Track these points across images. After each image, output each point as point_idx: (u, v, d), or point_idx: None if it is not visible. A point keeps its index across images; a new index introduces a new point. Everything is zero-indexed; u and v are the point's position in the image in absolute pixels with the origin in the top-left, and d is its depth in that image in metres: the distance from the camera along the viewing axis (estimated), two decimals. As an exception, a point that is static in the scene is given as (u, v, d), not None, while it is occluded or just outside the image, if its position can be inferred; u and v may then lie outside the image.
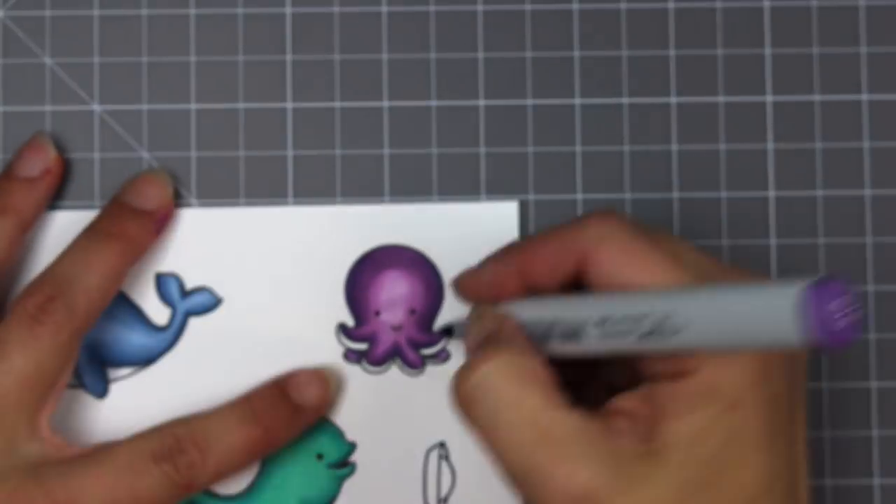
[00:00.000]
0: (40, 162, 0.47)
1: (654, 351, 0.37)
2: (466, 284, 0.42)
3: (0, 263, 0.45)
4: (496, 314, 0.41)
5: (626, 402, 0.39)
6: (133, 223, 0.46)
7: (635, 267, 0.38)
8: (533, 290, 0.41)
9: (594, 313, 0.38)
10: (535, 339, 0.40)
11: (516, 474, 0.38)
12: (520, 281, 0.40)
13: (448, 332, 0.47)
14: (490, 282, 0.41)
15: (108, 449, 0.43)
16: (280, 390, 0.46)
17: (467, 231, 0.48)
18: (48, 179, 0.47)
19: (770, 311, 0.32)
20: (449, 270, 0.47)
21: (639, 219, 0.40)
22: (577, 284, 0.40)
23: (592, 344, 0.38)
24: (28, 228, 0.46)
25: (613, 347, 0.38)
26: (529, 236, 0.41)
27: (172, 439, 0.43)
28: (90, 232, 0.45)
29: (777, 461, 0.38)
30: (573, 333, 0.39)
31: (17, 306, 0.43)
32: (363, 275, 0.48)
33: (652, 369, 0.38)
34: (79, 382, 0.47)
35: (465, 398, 0.39)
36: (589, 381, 0.42)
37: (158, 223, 0.47)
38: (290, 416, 0.45)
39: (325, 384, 0.47)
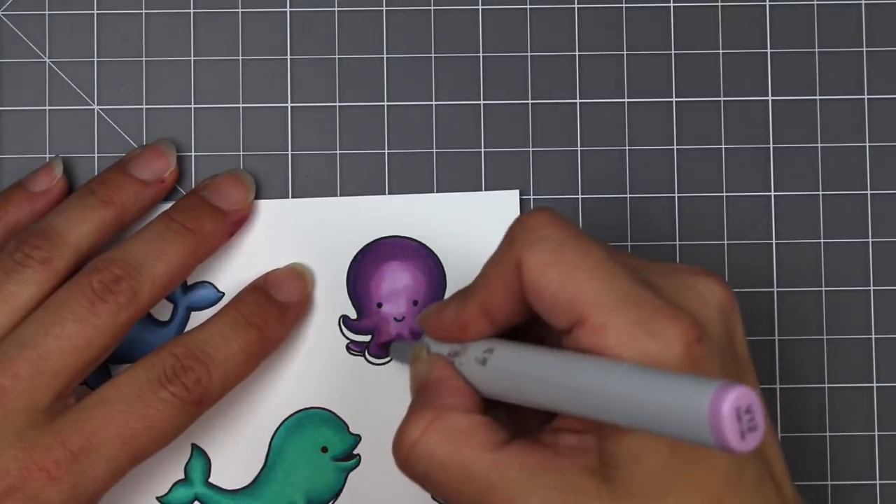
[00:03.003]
0: (157, 169, 0.47)
1: (567, 414, 0.36)
2: (431, 324, 0.42)
3: (89, 251, 0.45)
4: (429, 358, 0.41)
5: (569, 420, 0.38)
6: (210, 221, 0.46)
7: (563, 277, 0.37)
8: (499, 326, 0.40)
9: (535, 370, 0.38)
10: (473, 371, 0.40)
11: None
12: (484, 319, 0.40)
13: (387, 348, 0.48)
14: (453, 324, 0.41)
15: (112, 386, 0.43)
16: (263, 292, 0.46)
17: (469, 221, 0.48)
18: (158, 187, 0.47)
19: (676, 412, 0.32)
20: (451, 261, 0.47)
21: (569, 221, 0.39)
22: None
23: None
24: (126, 227, 0.46)
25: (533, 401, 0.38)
26: (485, 263, 0.40)
27: (173, 360, 0.43)
28: (167, 220, 0.45)
29: (737, 456, 0.37)
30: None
31: (83, 277, 0.43)
32: (365, 267, 0.48)
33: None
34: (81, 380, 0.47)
35: (404, 463, 0.39)
36: None
37: (233, 225, 0.47)
38: (279, 315, 0.46)
39: (303, 278, 0.47)
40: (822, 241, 0.49)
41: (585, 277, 0.37)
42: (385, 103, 0.49)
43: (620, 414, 0.34)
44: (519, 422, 0.41)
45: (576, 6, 0.49)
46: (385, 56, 0.49)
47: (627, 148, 0.49)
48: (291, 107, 0.49)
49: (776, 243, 0.49)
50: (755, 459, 0.38)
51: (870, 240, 0.49)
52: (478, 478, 0.38)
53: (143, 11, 0.49)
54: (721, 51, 0.49)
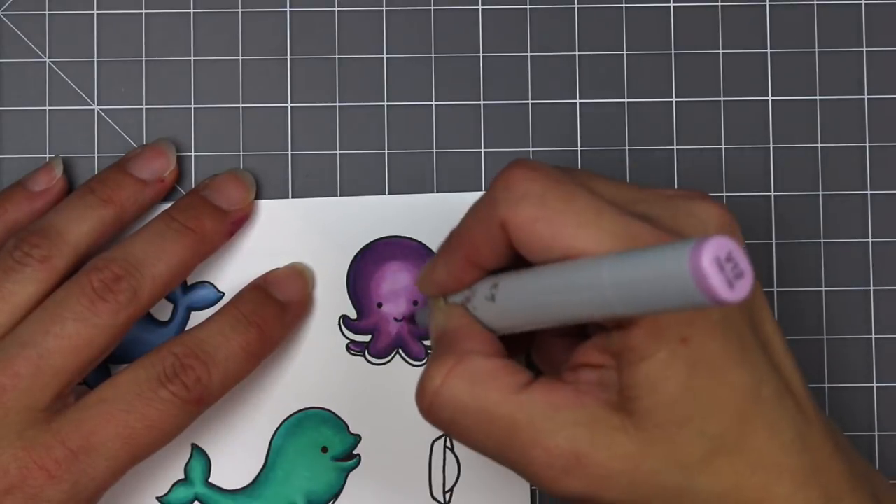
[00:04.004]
0: (157, 168, 0.47)
1: (578, 321, 0.37)
2: (426, 284, 0.42)
3: (88, 250, 0.45)
4: (446, 307, 0.41)
5: (587, 355, 0.38)
6: (210, 220, 0.46)
7: (552, 230, 0.37)
8: (492, 269, 0.40)
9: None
10: (486, 310, 0.40)
11: (500, 464, 0.39)
12: (474, 267, 0.40)
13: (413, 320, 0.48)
14: (446, 279, 0.41)
15: (111, 385, 0.43)
16: (263, 292, 0.46)
17: None
18: (158, 187, 0.47)
19: (667, 280, 0.32)
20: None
21: (546, 164, 0.38)
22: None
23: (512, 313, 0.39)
24: (125, 226, 0.46)
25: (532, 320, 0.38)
26: (466, 214, 0.40)
27: (173, 359, 0.43)
28: (168, 219, 0.45)
29: (755, 371, 0.37)
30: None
31: (83, 276, 0.43)
32: (365, 267, 0.48)
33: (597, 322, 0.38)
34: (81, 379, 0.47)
35: (428, 410, 0.39)
36: (551, 337, 0.42)
37: (234, 224, 0.47)
38: (279, 314, 0.46)
39: (303, 277, 0.47)
40: (822, 241, 0.49)
41: (574, 226, 0.36)
42: (385, 103, 0.49)
43: (619, 300, 0.33)
44: (542, 366, 0.41)
45: (576, 6, 0.49)
46: (385, 56, 0.49)
47: (627, 148, 0.49)
48: (291, 107, 0.49)
49: (776, 243, 0.49)
50: (772, 374, 0.38)
51: (870, 240, 0.49)
52: (503, 420, 0.38)
53: (143, 11, 0.49)
54: (721, 51, 0.49)
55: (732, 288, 0.31)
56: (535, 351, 0.43)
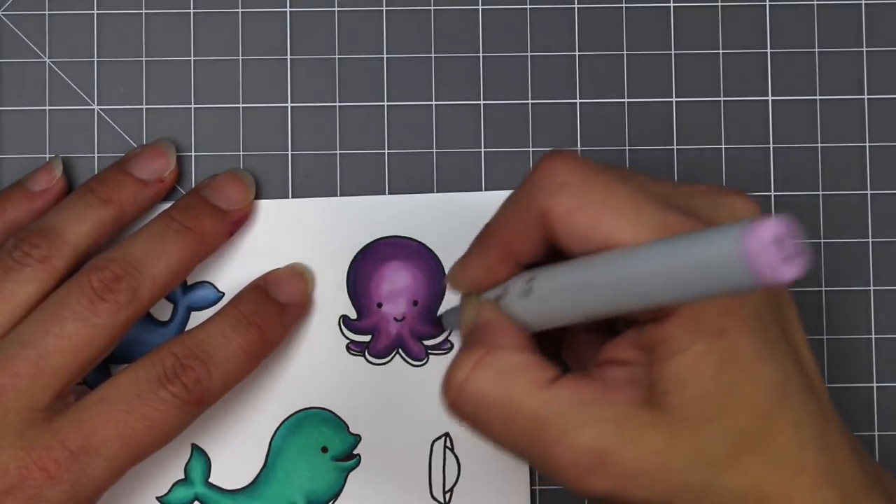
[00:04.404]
0: (157, 168, 0.47)
1: (618, 311, 0.36)
2: (459, 280, 0.41)
3: (88, 250, 0.45)
4: (478, 303, 0.41)
5: (616, 350, 0.38)
6: (210, 220, 0.46)
7: (591, 220, 0.37)
8: (527, 265, 0.40)
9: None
10: (520, 306, 0.40)
11: (525, 461, 0.39)
12: (509, 261, 0.40)
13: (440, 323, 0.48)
14: (480, 275, 0.40)
15: (111, 385, 0.43)
16: (263, 292, 0.46)
17: (469, 221, 0.48)
18: (158, 187, 0.47)
19: (715, 262, 0.31)
20: (450, 261, 0.47)
21: (588, 160, 0.38)
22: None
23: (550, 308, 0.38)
24: (125, 226, 0.46)
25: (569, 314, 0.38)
26: (502, 206, 0.40)
27: (173, 359, 0.43)
28: (168, 219, 0.45)
29: (782, 368, 0.37)
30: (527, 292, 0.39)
31: (82, 276, 0.43)
32: (365, 267, 0.48)
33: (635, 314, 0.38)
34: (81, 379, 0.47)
35: (453, 403, 0.39)
36: (581, 333, 0.42)
37: (233, 224, 0.47)
38: (279, 315, 0.46)
39: (303, 278, 0.47)
40: (822, 240, 0.49)
41: (614, 216, 0.36)
42: (385, 103, 0.49)
43: (666, 286, 0.33)
44: (570, 362, 0.41)
45: (576, 6, 0.49)
46: (385, 56, 0.49)
47: (627, 148, 0.49)
48: (291, 107, 0.49)
49: (776, 243, 0.49)
50: (798, 371, 0.38)
51: (870, 240, 0.49)
52: (528, 415, 0.37)
53: (143, 11, 0.49)
54: (721, 51, 0.49)
55: (789, 265, 0.30)
56: (565, 348, 0.43)
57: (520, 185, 0.39)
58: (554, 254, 0.38)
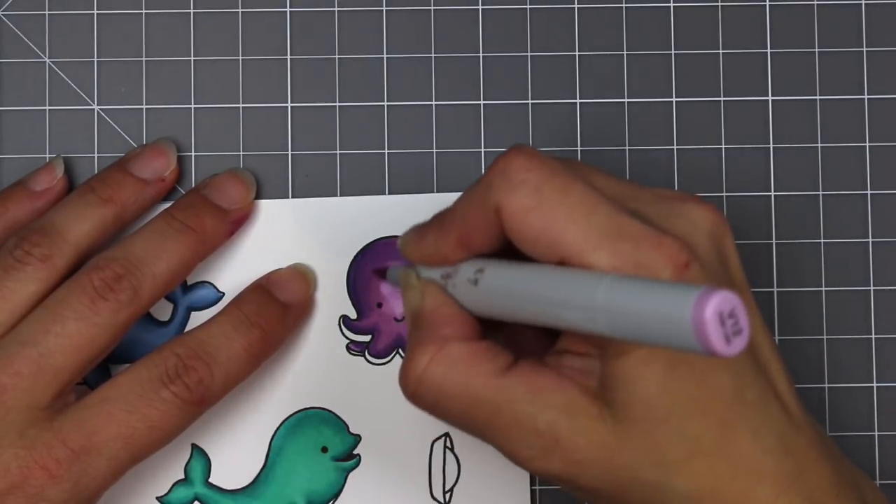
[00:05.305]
0: (157, 168, 0.47)
1: (558, 328, 0.37)
2: (411, 252, 0.42)
3: (89, 249, 0.45)
4: (421, 285, 0.41)
5: (570, 341, 0.39)
6: (210, 219, 0.46)
7: (543, 221, 0.37)
8: (479, 253, 0.40)
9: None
10: (466, 292, 0.40)
11: (486, 442, 0.39)
12: (462, 249, 0.40)
13: (383, 274, 0.48)
14: (433, 253, 0.40)
15: (113, 385, 0.43)
16: (265, 292, 0.46)
17: None
18: (158, 186, 0.47)
19: (665, 318, 0.32)
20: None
21: (544, 154, 0.38)
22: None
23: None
24: (125, 226, 0.46)
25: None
26: (462, 196, 0.40)
27: (175, 359, 0.43)
28: (168, 218, 0.45)
29: (738, 375, 0.37)
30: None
31: (83, 275, 0.43)
32: (365, 267, 0.48)
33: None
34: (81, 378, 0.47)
35: (412, 397, 0.40)
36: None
37: (234, 224, 0.47)
38: (281, 315, 0.46)
39: (305, 278, 0.47)
40: (822, 241, 0.49)
41: (566, 218, 0.37)
42: (385, 103, 0.49)
43: (608, 325, 0.33)
44: (521, 345, 0.41)
45: (576, 6, 0.49)
46: (385, 56, 0.49)
47: (627, 148, 0.49)
48: (291, 107, 0.49)
49: (776, 243, 0.49)
50: (757, 378, 0.38)
51: (870, 240, 0.49)
52: (485, 403, 0.38)
53: (143, 11, 0.49)
54: (721, 51, 0.49)
55: (729, 343, 0.31)
56: (505, 334, 0.43)
57: (481, 178, 0.39)
58: (509, 246, 0.39)
